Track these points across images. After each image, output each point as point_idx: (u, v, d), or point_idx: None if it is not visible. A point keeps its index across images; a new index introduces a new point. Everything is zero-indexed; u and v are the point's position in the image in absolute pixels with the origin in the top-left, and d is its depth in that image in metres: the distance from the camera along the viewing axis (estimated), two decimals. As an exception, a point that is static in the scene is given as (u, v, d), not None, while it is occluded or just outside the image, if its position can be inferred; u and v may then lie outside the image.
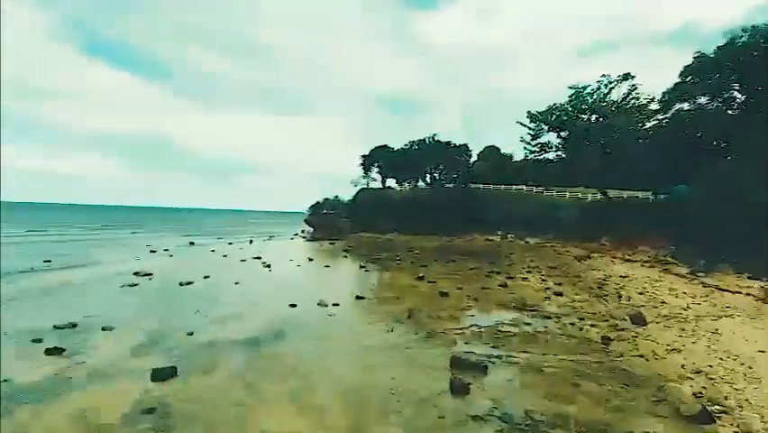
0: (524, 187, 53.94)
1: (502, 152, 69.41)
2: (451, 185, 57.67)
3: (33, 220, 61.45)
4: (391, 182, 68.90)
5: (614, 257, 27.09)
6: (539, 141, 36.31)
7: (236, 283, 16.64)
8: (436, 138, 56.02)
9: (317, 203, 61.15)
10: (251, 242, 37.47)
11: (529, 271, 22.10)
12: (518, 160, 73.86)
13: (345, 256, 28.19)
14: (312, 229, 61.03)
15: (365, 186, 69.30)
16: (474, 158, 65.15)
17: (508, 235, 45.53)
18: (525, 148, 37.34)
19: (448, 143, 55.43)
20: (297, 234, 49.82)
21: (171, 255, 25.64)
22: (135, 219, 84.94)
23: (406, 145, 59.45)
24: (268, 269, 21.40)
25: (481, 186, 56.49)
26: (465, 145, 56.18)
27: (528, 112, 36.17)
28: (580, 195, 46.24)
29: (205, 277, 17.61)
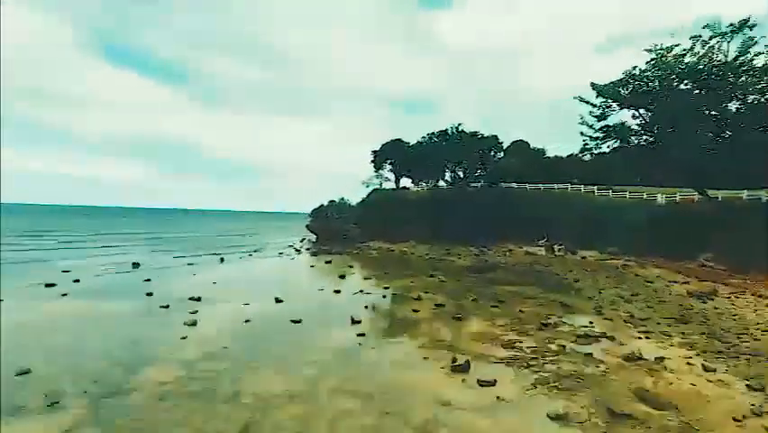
0: (568, 186, 44.25)
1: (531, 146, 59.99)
2: (478, 184, 48.40)
3: None
4: (406, 182, 60.08)
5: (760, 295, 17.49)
6: (604, 123, 26.67)
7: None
8: (461, 129, 46.70)
9: (321, 206, 52.65)
10: (221, 260, 28.96)
11: (643, 330, 12.77)
12: (551, 156, 64.37)
13: (337, 291, 19.06)
14: (315, 237, 52.62)
15: (378, 186, 60.79)
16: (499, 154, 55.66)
17: (555, 247, 35.99)
18: (583, 135, 27.81)
19: (474, 134, 46.15)
20: (292, 246, 41.16)
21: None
22: (123, 224, 78.21)
23: (423, 138, 50.42)
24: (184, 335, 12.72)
25: (514, 185, 47.08)
26: (495, 137, 46.86)
27: (593, 84, 26.57)
28: (646, 195, 36.38)
29: None
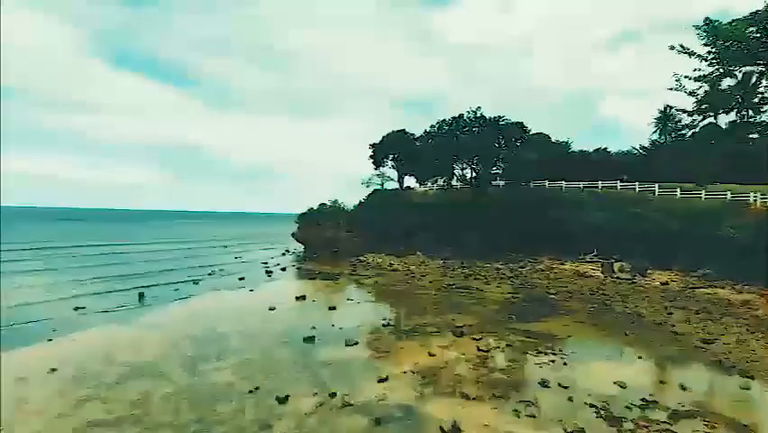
0: (617, 184, 35.06)
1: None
2: (500, 182, 39.29)
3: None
4: (411, 182, 51.06)
5: None
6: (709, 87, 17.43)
7: None
8: (479, 113, 37.55)
9: (310, 210, 43.58)
10: (141, 296, 19.68)
11: None
12: (576, 150, 55.16)
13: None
14: (303, 247, 43.57)
15: (380, 186, 52.04)
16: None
17: (615, 266, 26.78)
18: (694, 106, 18.65)
19: (497, 120, 36.93)
20: (267, 265, 31.95)
21: None
22: (106, 231, 69.69)
23: (432, 127, 41.26)
24: None
25: (546, 183, 37.96)
26: (520, 124, 37.66)
27: (707, 22, 17.18)
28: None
29: None
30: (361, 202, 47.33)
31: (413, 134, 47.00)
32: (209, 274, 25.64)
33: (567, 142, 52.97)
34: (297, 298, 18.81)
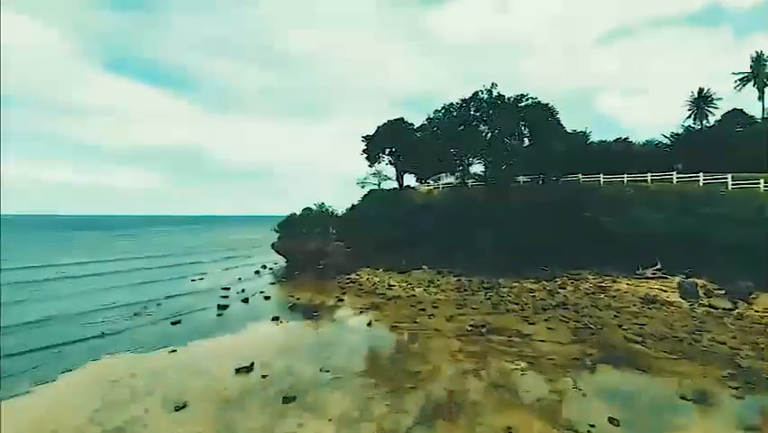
0: (673, 175, 27.76)
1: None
2: (523, 178, 31.94)
3: None
4: (410, 180, 43.78)
5: None
6: None
7: None
8: (496, 92, 30.14)
9: (291, 216, 36.10)
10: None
11: None
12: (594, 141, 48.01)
13: None
14: (285, 261, 36.10)
15: (376, 185, 45.02)
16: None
17: (698, 289, 19.41)
18: None
19: (519, 100, 29.41)
20: (228, 291, 24.36)
21: None
22: (72, 245, 62.35)
23: (437, 113, 33.78)
24: None
25: (580, 177, 30.72)
26: (547, 106, 30.20)
27: None
28: None
29: None
30: (353, 205, 39.94)
31: (412, 125, 39.63)
32: (135, 315, 18.06)
33: (585, 132, 45.84)
34: (239, 370, 11.35)
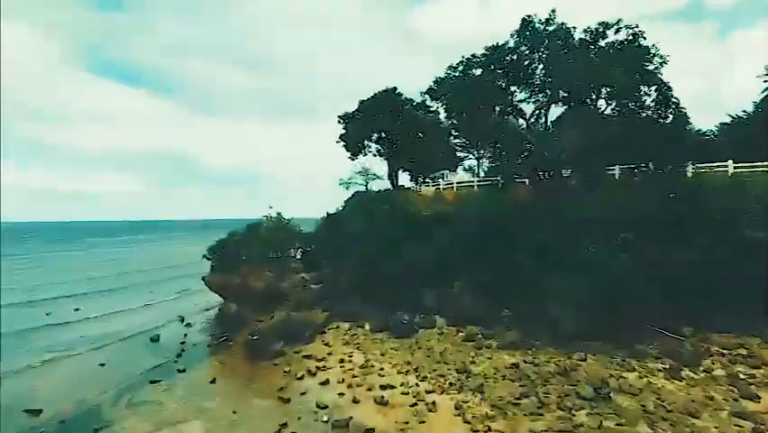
0: None
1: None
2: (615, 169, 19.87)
3: None
4: (405, 179, 32.20)
5: None
6: None
7: None
8: (556, 25, 17.90)
9: (231, 236, 23.54)
10: None
11: None
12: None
13: None
14: (222, 301, 23.56)
15: (364, 185, 33.69)
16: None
17: None
18: None
19: (599, 35, 17.44)
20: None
21: None
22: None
23: (450, 71, 21.46)
24: None
25: (689, 168, 18.69)
26: (649, 50, 18.20)
27: None
28: None
29: None
30: (330, 215, 27.66)
31: (411, 100, 27.54)
32: None
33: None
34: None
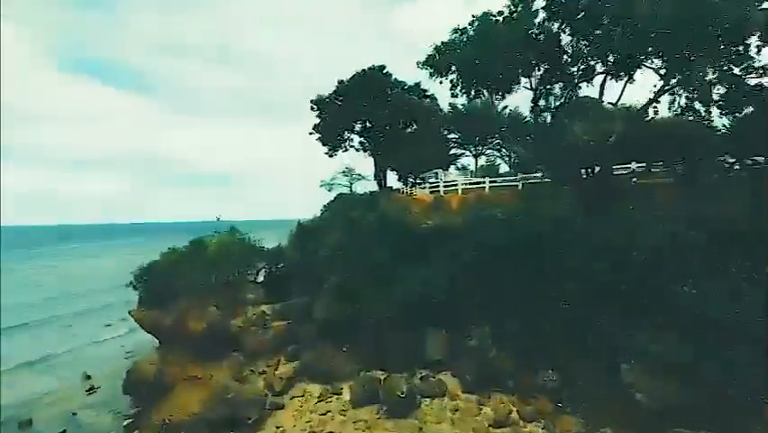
0: None
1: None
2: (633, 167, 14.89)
3: None
4: (393, 179, 27.23)
5: None
6: None
7: None
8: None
9: (171, 252, 17.68)
10: None
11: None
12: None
13: None
14: (159, 343, 17.69)
15: (348, 186, 29.08)
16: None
17: None
18: None
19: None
20: None
21: None
22: None
23: (458, 38, 16.18)
24: None
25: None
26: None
27: None
28: None
29: None
30: (302, 225, 22.07)
31: (402, 83, 22.21)
32: None
33: (640, 109, 29.64)
34: None
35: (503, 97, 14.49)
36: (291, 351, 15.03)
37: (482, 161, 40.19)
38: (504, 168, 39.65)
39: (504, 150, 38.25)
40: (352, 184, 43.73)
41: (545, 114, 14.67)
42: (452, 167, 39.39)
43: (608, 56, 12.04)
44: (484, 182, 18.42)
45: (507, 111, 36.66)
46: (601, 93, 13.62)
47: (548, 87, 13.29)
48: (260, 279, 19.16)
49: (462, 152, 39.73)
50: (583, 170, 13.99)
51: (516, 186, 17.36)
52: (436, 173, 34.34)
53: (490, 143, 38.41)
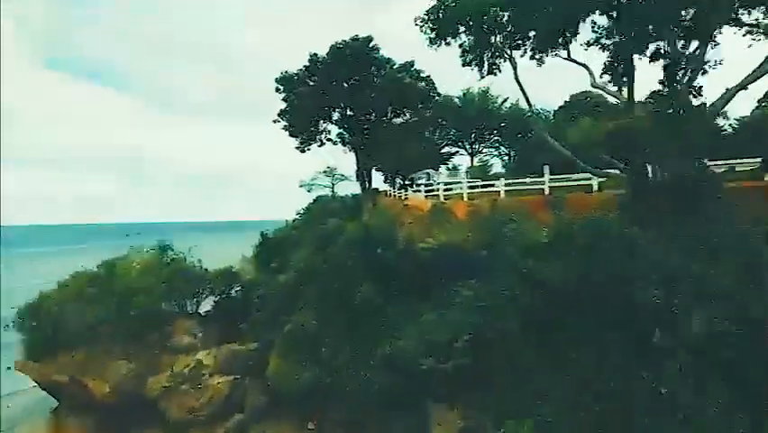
0: None
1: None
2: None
3: None
4: (379, 180, 23.30)
5: None
6: None
7: None
8: None
9: (61, 290, 12.81)
10: None
11: None
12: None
13: None
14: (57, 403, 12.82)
15: (330, 187, 25.60)
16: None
17: None
18: None
19: None
20: None
21: None
22: None
23: None
24: None
25: None
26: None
27: None
28: None
29: None
30: (264, 236, 17.50)
31: (393, 62, 17.81)
32: None
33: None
34: None
35: (541, 61, 10.19)
36: (235, 425, 10.49)
37: (479, 160, 36.25)
38: (497, 169, 35.78)
39: (503, 148, 34.46)
40: (334, 185, 38.99)
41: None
42: (443, 167, 35.38)
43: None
44: (497, 184, 14.18)
45: (509, 104, 32.79)
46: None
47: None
48: (206, 312, 14.49)
49: (456, 150, 35.66)
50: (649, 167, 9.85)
51: (541, 190, 13.19)
52: (428, 173, 30.07)
53: (488, 140, 34.42)
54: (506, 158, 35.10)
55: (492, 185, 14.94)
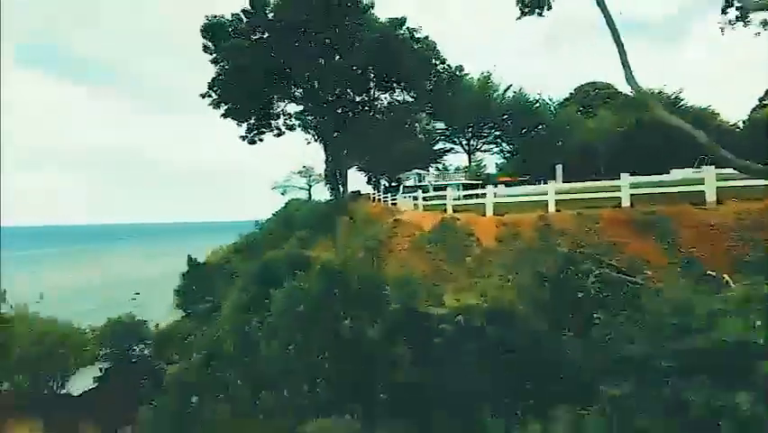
0: None
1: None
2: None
3: None
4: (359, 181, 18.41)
5: None
6: None
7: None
8: None
9: None
10: None
11: None
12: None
13: None
14: None
15: (306, 189, 20.99)
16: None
17: None
18: None
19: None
20: None
21: None
22: None
23: None
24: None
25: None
26: None
27: None
28: None
29: None
30: (192, 262, 11.91)
31: (372, 6, 12.44)
32: None
33: (680, 99, 24.83)
34: None
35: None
36: None
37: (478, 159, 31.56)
38: (490, 169, 30.90)
39: (505, 144, 29.61)
40: (311, 187, 33.69)
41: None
42: (432, 167, 30.41)
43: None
44: (541, 193, 9.02)
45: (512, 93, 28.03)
46: None
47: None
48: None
49: (452, 146, 31.02)
50: None
51: (615, 200, 8.11)
52: (418, 174, 25.18)
53: (487, 136, 29.88)
54: (507, 155, 30.37)
55: (532, 193, 9.76)
